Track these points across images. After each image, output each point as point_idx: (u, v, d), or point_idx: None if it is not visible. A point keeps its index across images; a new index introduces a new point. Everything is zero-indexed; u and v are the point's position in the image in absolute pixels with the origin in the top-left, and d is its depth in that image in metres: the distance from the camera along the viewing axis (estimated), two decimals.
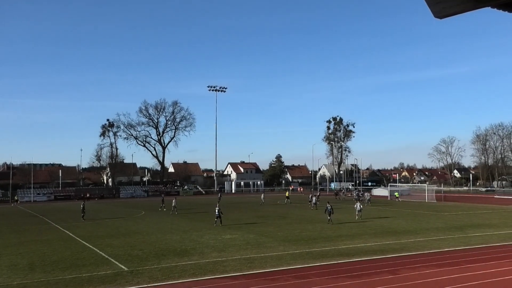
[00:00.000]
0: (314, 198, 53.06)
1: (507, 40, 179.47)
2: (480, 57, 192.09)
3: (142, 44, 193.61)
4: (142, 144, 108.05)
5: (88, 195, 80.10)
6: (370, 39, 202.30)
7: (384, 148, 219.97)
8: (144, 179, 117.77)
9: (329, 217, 35.84)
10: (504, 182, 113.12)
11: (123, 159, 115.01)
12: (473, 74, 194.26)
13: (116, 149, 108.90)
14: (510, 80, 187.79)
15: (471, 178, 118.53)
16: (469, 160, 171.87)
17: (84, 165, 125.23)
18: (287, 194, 67.41)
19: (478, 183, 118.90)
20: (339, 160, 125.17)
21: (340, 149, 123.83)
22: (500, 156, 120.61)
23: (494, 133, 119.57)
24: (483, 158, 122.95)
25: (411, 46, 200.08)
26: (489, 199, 68.41)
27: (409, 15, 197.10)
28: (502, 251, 22.75)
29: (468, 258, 20.90)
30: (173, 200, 49.32)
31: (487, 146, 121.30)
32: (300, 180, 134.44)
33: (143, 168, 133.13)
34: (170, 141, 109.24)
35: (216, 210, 35.85)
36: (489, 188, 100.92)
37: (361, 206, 40.86)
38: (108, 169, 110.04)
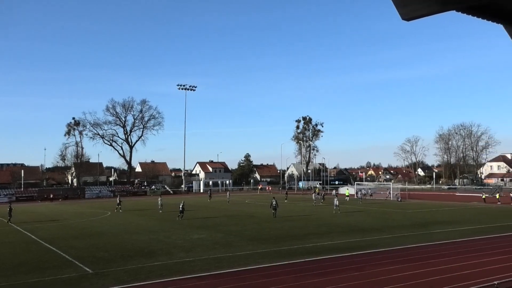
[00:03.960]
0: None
1: (470, 42, 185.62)
2: (443, 59, 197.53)
3: (109, 41, 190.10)
4: (109, 143, 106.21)
5: (51, 196, 78.26)
6: (338, 39, 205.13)
7: (351, 147, 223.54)
8: (111, 179, 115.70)
9: (274, 211, 39.34)
10: (465, 180, 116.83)
11: (89, 159, 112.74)
12: (436, 76, 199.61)
13: (82, 148, 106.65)
14: (472, 82, 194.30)
15: (434, 177, 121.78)
16: (432, 159, 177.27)
17: (48, 165, 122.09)
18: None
19: (441, 181, 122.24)
20: (307, 159, 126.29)
21: (309, 148, 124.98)
22: (461, 155, 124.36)
23: (456, 133, 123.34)
24: (445, 157, 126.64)
25: (378, 47, 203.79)
26: (451, 197, 70.53)
27: (376, 17, 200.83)
28: (463, 246, 23.53)
29: (431, 253, 21.50)
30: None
31: (449, 145, 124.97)
32: (268, 179, 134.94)
33: (109, 168, 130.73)
34: (138, 140, 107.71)
35: (180, 206, 39.48)
36: (451, 186, 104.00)
37: (338, 201, 44.77)
38: (73, 169, 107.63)
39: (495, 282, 11.62)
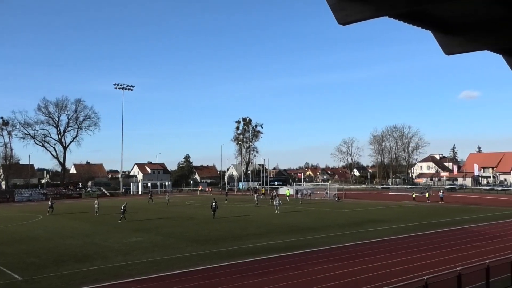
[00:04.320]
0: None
1: (402, 47, 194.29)
2: (376, 63, 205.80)
3: (41, 37, 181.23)
4: (41, 144, 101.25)
5: None
6: (277, 42, 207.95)
7: (290, 148, 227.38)
8: (43, 181, 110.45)
9: (213, 212, 39.64)
10: (397, 180, 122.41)
11: (19, 160, 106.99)
12: (370, 79, 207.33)
13: (11, 149, 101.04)
14: (403, 85, 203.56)
15: (369, 177, 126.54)
16: (367, 159, 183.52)
17: None
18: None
19: (375, 181, 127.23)
20: (247, 160, 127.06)
21: (248, 149, 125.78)
22: (394, 155, 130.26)
23: (389, 134, 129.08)
24: (379, 157, 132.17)
25: (314, 51, 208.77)
26: (384, 196, 73.57)
27: (313, 21, 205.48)
28: (395, 244, 24.64)
29: (365, 251, 22.32)
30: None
31: (383, 146, 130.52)
32: (208, 181, 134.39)
33: (41, 170, 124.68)
34: (72, 141, 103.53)
35: (122, 207, 38.70)
36: (384, 186, 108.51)
37: (280, 201, 46.50)
38: (1, 171, 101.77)
39: (425, 277, 12.24)
